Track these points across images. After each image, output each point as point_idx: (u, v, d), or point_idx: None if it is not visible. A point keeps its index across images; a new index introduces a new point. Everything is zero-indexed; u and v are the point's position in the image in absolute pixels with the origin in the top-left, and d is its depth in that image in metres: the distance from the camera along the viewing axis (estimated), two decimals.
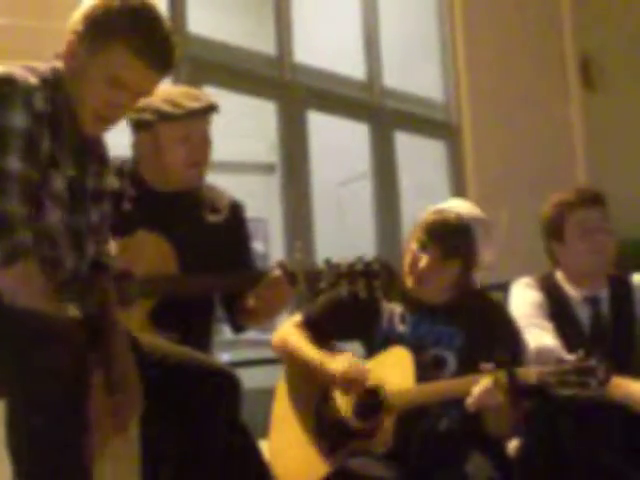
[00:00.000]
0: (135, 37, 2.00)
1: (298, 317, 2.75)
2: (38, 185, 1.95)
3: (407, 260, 2.64)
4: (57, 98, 2.00)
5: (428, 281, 2.61)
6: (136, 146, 2.67)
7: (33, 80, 1.95)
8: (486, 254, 2.67)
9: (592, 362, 2.27)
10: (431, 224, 2.61)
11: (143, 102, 2.34)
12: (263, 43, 5.07)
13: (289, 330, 2.72)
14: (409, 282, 2.63)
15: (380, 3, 5.61)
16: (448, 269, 2.61)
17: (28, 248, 1.87)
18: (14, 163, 1.87)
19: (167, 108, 2.56)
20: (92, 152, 2.14)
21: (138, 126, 2.62)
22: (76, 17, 2.05)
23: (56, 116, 1.99)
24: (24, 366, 1.77)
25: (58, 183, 2.00)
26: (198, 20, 4.55)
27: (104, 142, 2.21)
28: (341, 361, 2.52)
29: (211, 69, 4.63)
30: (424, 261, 2.59)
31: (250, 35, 5.20)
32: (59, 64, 2.06)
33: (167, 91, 2.66)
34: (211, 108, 2.63)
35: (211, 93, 4.33)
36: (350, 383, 2.50)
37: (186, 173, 2.63)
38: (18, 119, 1.89)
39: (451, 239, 2.60)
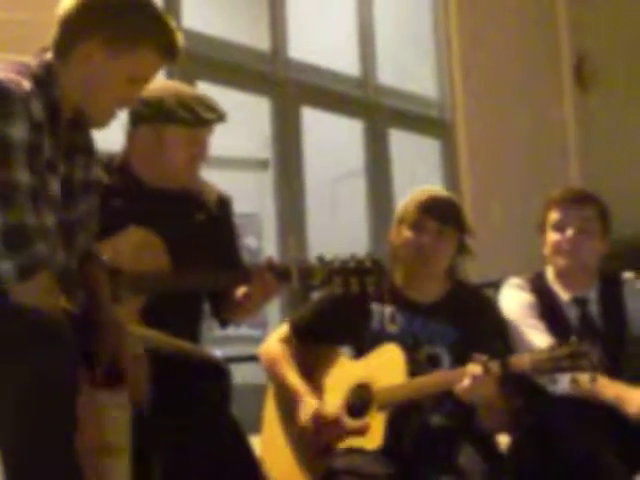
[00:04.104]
0: (156, 35, 1.99)
1: (285, 328, 2.74)
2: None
3: (401, 250, 2.63)
4: (49, 95, 1.96)
5: (433, 258, 2.60)
6: (133, 138, 2.64)
7: (26, 84, 1.90)
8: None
9: (585, 346, 2.30)
10: (423, 202, 2.62)
11: (146, 95, 2.35)
12: (257, 39, 5.07)
13: (275, 347, 2.70)
14: (416, 267, 2.62)
15: (375, 1, 5.60)
16: (447, 241, 2.61)
17: (45, 260, 1.86)
18: (22, 176, 1.85)
19: (182, 113, 2.54)
20: (80, 144, 2.11)
21: (140, 119, 2.59)
22: (79, 18, 1.98)
23: (50, 116, 1.95)
24: (20, 366, 1.77)
25: (54, 186, 1.98)
26: (192, 15, 4.54)
27: (89, 132, 2.17)
28: (307, 407, 2.51)
29: (205, 64, 4.62)
30: (426, 237, 2.58)
31: (244, 31, 5.19)
32: (49, 57, 2.00)
33: (177, 90, 2.63)
34: (223, 119, 2.61)
35: (204, 88, 4.33)
36: (313, 434, 2.50)
37: (183, 174, 2.63)
38: (20, 131, 1.85)
39: (445, 208, 2.62)
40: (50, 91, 1.96)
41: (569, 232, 2.75)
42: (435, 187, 2.81)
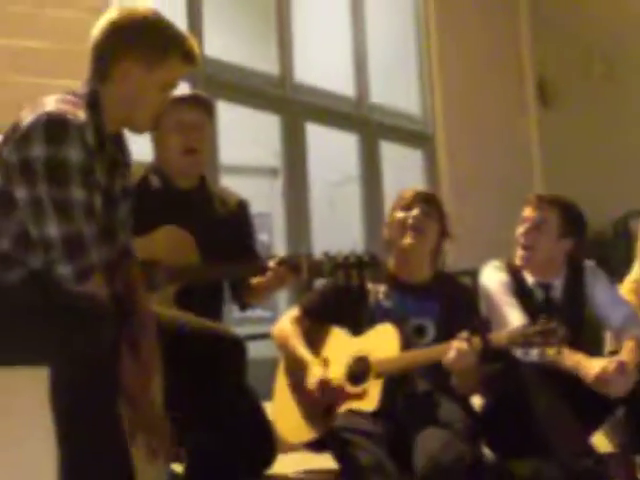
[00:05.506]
0: (180, 45, 1.98)
1: (295, 311, 2.75)
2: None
3: (394, 231, 2.68)
4: (97, 121, 1.95)
5: (420, 233, 2.64)
6: (152, 141, 2.66)
7: (81, 115, 1.89)
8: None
9: (553, 324, 2.35)
10: (413, 192, 2.72)
11: None
12: (268, 65, 5.08)
13: (287, 326, 2.71)
14: (406, 242, 2.65)
15: (368, 33, 5.63)
16: (432, 221, 2.67)
17: (96, 265, 1.86)
18: (79, 193, 1.85)
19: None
20: (120, 157, 2.09)
21: None
22: (111, 42, 1.96)
23: (98, 139, 1.94)
24: (69, 344, 1.77)
25: (98, 201, 1.95)
26: (213, 44, 4.55)
27: (126, 144, 2.14)
28: (314, 375, 2.53)
29: (224, 87, 4.64)
30: (414, 212, 2.65)
31: (257, 58, 5.21)
32: (94, 84, 1.98)
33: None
34: (193, 98, 2.62)
35: (224, 108, 4.36)
36: (319, 397, 2.52)
37: (181, 160, 2.60)
38: (77, 155, 1.84)
39: (430, 197, 2.71)
40: (98, 117, 1.95)
41: (523, 228, 2.80)
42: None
